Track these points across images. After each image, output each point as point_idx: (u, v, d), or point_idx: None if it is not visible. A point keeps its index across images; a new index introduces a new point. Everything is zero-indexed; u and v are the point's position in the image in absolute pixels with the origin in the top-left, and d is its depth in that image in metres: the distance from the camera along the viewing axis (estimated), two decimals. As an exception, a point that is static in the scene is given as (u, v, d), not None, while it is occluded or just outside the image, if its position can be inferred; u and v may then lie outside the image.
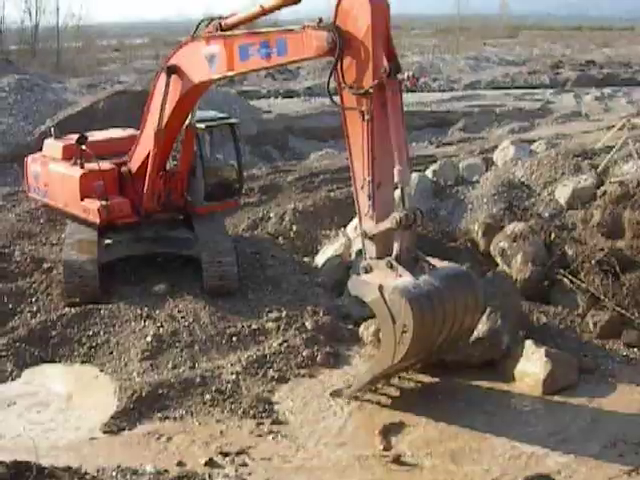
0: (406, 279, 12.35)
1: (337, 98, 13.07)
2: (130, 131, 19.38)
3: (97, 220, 17.54)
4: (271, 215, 21.90)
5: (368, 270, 12.94)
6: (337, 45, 12.52)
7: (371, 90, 12.43)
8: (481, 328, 14.32)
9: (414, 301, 12.00)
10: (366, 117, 12.53)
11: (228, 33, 14.85)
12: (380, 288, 12.35)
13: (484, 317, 14.38)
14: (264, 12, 14.56)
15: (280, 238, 20.69)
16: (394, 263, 12.51)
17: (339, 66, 12.69)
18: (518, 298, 15.80)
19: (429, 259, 13.09)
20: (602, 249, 16.84)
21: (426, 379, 14.25)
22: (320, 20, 12.87)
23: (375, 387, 13.83)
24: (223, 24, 15.12)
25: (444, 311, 12.45)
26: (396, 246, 12.57)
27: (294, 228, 20.95)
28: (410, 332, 12.04)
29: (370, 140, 12.57)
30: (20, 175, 27.07)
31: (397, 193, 12.76)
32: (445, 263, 13.41)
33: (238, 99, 42.27)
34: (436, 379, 14.22)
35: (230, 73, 15.18)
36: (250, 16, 14.96)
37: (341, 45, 12.51)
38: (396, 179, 12.43)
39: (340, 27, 12.55)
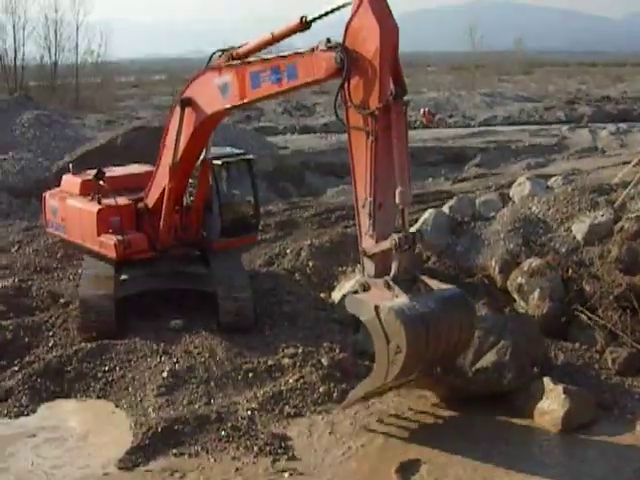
0: (402, 300, 12.41)
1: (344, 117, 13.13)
2: (148, 167, 19.46)
3: (114, 255, 17.58)
4: (287, 251, 21.93)
5: (366, 288, 13.07)
6: (345, 64, 12.62)
7: (377, 112, 12.52)
8: (488, 358, 14.29)
9: (408, 324, 12.10)
10: (370, 137, 12.61)
11: (240, 62, 14.98)
12: (376, 308, 12.42)
13: (494, 349, 14.36)
14: (274, 40, 14.71)
15: (297, 274, 20.68)
16: (391, 283, 12.61)
17: (346, 85, 12.78)
18: (538, 337, 15.57)
19: (426, 280, 13.21)
20: (620, 285, 16.75)
21: (444, 413, 14.20)
22: (328, 40, 13.00)
23: (391, 422, 13.86)
24: (235, 54, 15.26)
25: (438, 334, 12.56)
26: (394, 266, 12.66)
27: (310, 264, 20.95)
28: (403, 353, 12.17)
29: (373, 160, 12.65)
30: (38, 210, 27.24)
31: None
32: (442, 285, 13.51)
33: (255, 135, 42.55)
34: (453, 413, 14.17)
35: (243, 101, 15.22)
36: (261, 44, 15.11)
37: (349, 65, 12.61)
38: (397, 200, 12.53)
39: (348, 47, 12.67)
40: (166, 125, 17.29)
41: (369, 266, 13.13)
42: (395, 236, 12.46)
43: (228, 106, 15.56)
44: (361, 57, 12.57)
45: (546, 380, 14.09)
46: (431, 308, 12.51)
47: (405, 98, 12.77)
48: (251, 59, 14.95)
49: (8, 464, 12.91)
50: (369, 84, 12.58)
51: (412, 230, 12.87)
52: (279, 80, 13.95)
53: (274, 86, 14.18)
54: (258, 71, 14.37)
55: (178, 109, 16.38)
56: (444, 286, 13.53)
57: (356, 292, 13.53)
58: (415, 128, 52.70)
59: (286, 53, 13.94)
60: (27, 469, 12.67)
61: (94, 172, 18.21)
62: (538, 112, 61.22)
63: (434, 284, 13.25)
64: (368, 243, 12.98)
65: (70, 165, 20.92)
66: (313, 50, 13.25)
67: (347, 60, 12.62)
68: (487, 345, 14.47)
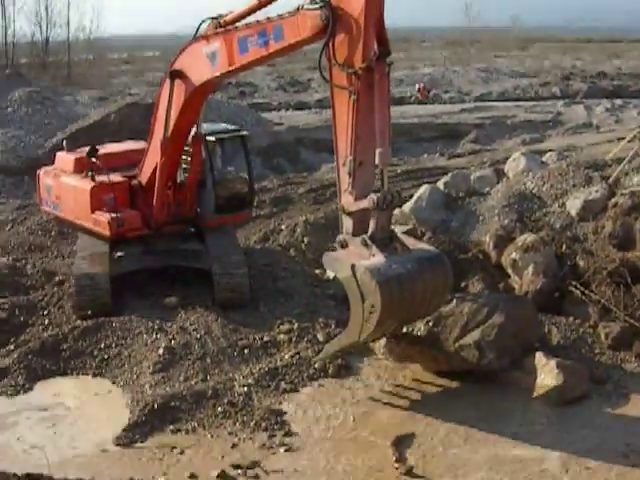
0: (378, 260, 12.50)
1: (327, 74, 13.12)
2: (142, 143, 19.38)
3: (107, 233, 17.58)
4: (282, 227, 21.94)
5: (344, 245, 13.15)
6: (330, 22, 12.59)
7: (360, 71, 12.50)
8: (472, 336, 14.32)
9: (383, 284, 12.21)
10: (353, 96, 12.62)
11: (227, 28, 14.93)
12: (352, 267, 12.49)
13: (480, 328, 14.38)
14: (260, 5, 14.65)
15: (292, 250, 20.70)
16: (368, 242, 12.67)
17: (331, 44, 12.75)
18: (533, 319, 15.49)
19: (404, 238, 13.35)
20: (613, 260, 16.82)
21: (439, 387, 14.37)
22: None
23: (387, 396, 14.04)
24: (222, 22, 15.20)
25: (412, 294, 12.71)
26: (372, 225, 12.73)
27: (305, 240, 20.97)
28: (377, 313, 12.33)
29: (355, 119, 12.68)
30: (31, 188, 27.20)
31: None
32: (419, 244, 13.72)
33: (249, 111, 42.36)
34: (449, 387, 14.33)
35: (231, 68, 15.12)
36: (247, 10, 15.03)
37: (334, 22, 12.59)
38: (377, 160, 12.58)
39: (334, 5, 12.64)
40: (156, 99, 17.25)
41: (347, 224, 13.20)
42: (373, 195, 12.51)
43: (217, 74, 15.43)
44: (346, 15, 12.53)
45: (539, 355, 14.17)
46: (407, 268, 12.60)
47: (388, 60, 12.78)
48: (238, 24, 14.90)
49: (5, 443, 12.95)
50: (353, 43, 12.55)
51: (392, 190, 12.84)
52: (266, 43, 13.89)
53: (261, 50, 14.11)
54: (245, 36, 14.32)
55: (168, 81, 16.30)
56: (421, 245, 13.74)
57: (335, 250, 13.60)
58: (410, 104, 52.70)
59: (273, 16, 13.86)
60: (24, 448, 12.71)
61: (87, 149, 18.15)
62: (533, 88, 60.99)
63: (411, 243, 13.38)
64: (347, 200, 13.02)
65: (63, 142, 20.85)
66: (298, 9, 13.21)
67: (332, 17, 12.58)
68: (475, 322, 14.48)
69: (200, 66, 15.56)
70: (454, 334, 14.41)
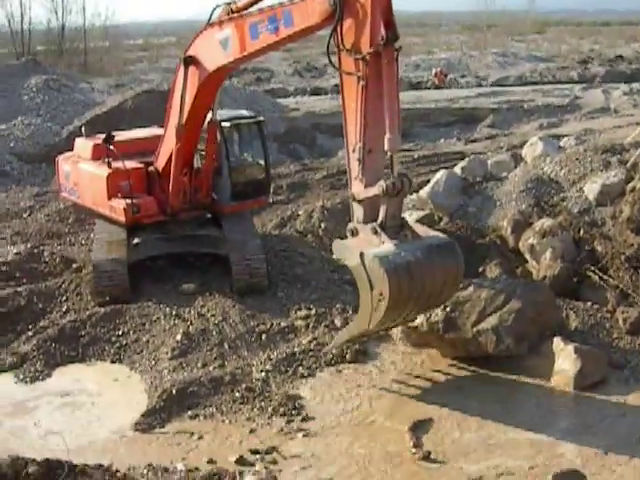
0: (387, 247, 12.37)
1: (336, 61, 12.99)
2: (158, 130, 19.40)
3: (123, 219, 17.64)
4: (299, 213, 21.94)
5: (354, 233, 12.99)
6: (337, 7, 12.49)
7: (367, 56, 12.38)
8: (490, 321, 14.28)
9: (392, 272, 12.05)
10: (361, 82, 12.46)
11: (239, 14, 14.89)
12: (361, 255, 12.37)
13: (498, 313, 14.34)
14: None
15: (309, 236, 20.71)
16: (378, 229, 12.55)
17: (339, 29, 12.64)
18: (550, 305, 15.37)
19: (415, 226, 13.23)
20: (631, 245, 16.75)
21: (457, 372, 14.36)
22: None
23: (405, 381, 14.05)
24: (235, 7, 15.15)
25: (422, 282, 12.50)
26: (382, 212, 12.59)
27: (322, 226, 20.97)
28: (386, 301, 12.15)
29: (364, 105, 12.52)
30: (48, 175, 27.34)
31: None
32: (430, 232, 13.49)
33: (265, 97, 42.39)
34: (467, 372, 14.32)
35: (244, 54, 15.04)
36: None
37: (342, 7, 12.48)
38: (386, 147, 12.44)
39: None
40: (172, 86, 17.25)
41: (358, 211, 13.05)
42: (383, 183, 12.35)
43: (230, 60, 15.36)
44: (354, 0, 12.46)
45: (557, 340, 14.12)
46: (416, 256, 12.40)
47: (397, 45, 12.55)
48: (249, 10, 14.83)
49: (25, 428, 13.05)
50: (361, 28, 12.42)
51: (402, 174, 12.74)
52: (276, 29, 13.80)
53: (272, 36, 14.02)
54: (256, 22, 14.25)
55: (182, 68, 16.29)
56: (432, 233, 13.50)
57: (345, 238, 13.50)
58: (427, 88, 52.57)
59: (283, 1, 13.78)
60: (42, 433, 12.79)
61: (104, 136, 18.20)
62: (551, 72, 60.76)
63: (422, 231, 13.22)
64: (357, 188, 12.89)
65: (82, 128, 20.91)
66: None
67: (340, 2, 12.49)
68: (492, 307, 14.45)
69: (213, 52, 15.54)
70: (471, 319, 14.38)
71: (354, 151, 12.83)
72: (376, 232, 12.56)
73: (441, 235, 13.73)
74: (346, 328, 14.21)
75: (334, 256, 14.00)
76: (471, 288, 14.72)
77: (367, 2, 12.25)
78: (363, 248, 12.46)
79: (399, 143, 12.77)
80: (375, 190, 12.50)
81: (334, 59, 12.94)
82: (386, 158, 12.79)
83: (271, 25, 13.90)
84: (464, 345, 14.45)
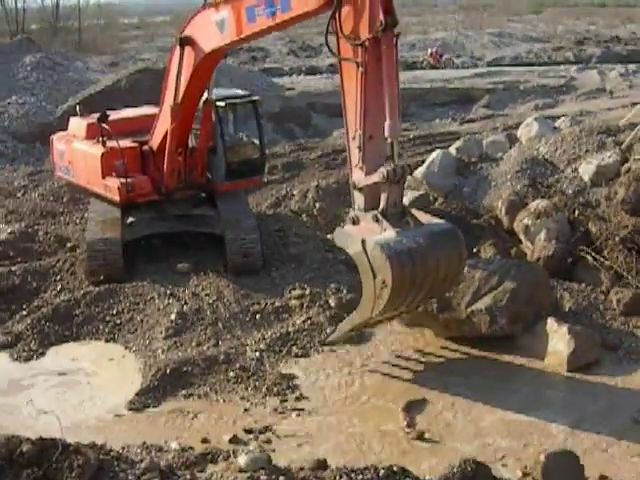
0: (389, 234, 12.27)
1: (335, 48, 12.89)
2: (153, 109, 19.34)
3: (117, 198, 17.62)
4: (294, 193, 21.93)
5: (355, 221, 12.90)
6: None
7: (366, 42, 12.27)
8: (484, 301, 14.30)
9: (394, 258, 11.95)
10: (360, 69, 12.34)
11: None
12: (363, 242, 12.29)
13: (492, 293, 14.36)
14: None
15: (303, 215, 20.72)
16: (379, 217, 12.45)
17: (337, 16, 12.51)
18: (544, 285, 15.35)
19: (416, 213, 13.09)
20: (626, 226, 16.76)
21: (451, 353, 14.37)
22: None
23: (398, 362, 14.06)
24: None
25: (425, 269, 12.39)
26: (383, 200, 12.47)
27: (317, 205, 20.97)
28: (389, 288, 12.03)
29: (363, 92, 12.40)
30: (43, 154, 27.29)
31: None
32: (432, 219, 13.34)
33: (261, 76, 42.31)
34: (461, 354, 14.34)
35: (240, 37, 14.95)
36: None
37: None
38: (386, 133, 12.30)
39: None
40: (167, 65, 17.18)
41: (359, 199, 12.97)
42: (383, 169, 12.23)
43: (227, 41, 15.27)
44: None
45: (551, 321, 14.13)
46: (419, 243, 12.29)
47: (396, 30, 12.36)
48: None
49: (19, 407, 13.04)
50: (359, 13, 12.29)
51: (402, 163, 12.69)
52: (273, 13, 13.65)
53: (269, 20, 13.88)
54: (253, 5, 14.08)
55: (178, 48, 16.22)
56: (435, 220, 13.35)
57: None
58: (422, 68, 52.46)
59: None
60: (37, 413, 12.78)
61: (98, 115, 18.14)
62: (546, 53, 60.68)
63: (424, 218, 13.09)
64: (358, 175, 12.80)
65: (77, 107, 20.84)
66: None
67: None
68: (487, 288, 14.47)
69: (209, 34, 15.44)
70: (465, 300, 14.39)
71: (354, 139, 12.72)
72: (377, 220, 12.45)
73: (443, 222, 13.54)
74: (348, 318, 14.06)
75: (336, 244, 13.90)
76: (465, 269, 14.73)
77: None
78: (365, 236, 12.37)
79: (399, 129, 12.66)
80: (376, 177, 12.39)
81: (332, 44, 12.82)
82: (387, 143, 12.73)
83: (268, 9, 13.74)
84: (458, 325, 14.47)
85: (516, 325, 14.27)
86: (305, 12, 13.35)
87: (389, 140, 12.46)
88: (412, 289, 12.52)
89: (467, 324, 14.36)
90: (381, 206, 12.51)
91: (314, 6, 12.97)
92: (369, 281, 12.41)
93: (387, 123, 12.22)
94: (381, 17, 12.18)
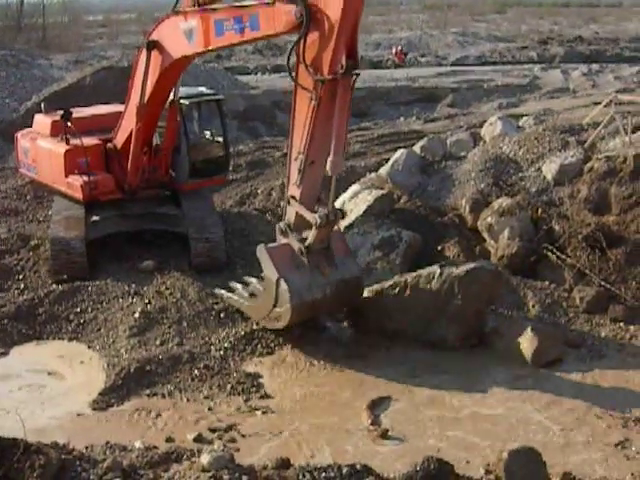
0: (302, 280, 13.49)
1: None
2: (118, 107, 19.23)
3: (80, 196, 17.52)
4: (259, 191, 21.91)
5: (284, 231, 13.84)
6: (304, 21, 12.46)
7: (325, 81, 12.55)
8: (433, 323, 14.56)
9: (296, 309, 13.37)
10: (314, 102, 12.70)
11: (205, 7, 14.70)
12: (277, 280, 13.43)
13: (441, 314, 14.50)
14: None
15: (268, 214, 20.68)
16: (303, 251, 13.49)
17: (302, 42, 12.65)
18: (493, 285, 15.12)
19: (337, 246, 14.07)
20: (589, 224, 16.89)
21: (417, 351, 14.41)
22: None
23: (363, 360, 14.15)
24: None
25: (320, 311, 14.32)
26: (311, 237, 13.44)
27: (282, 204, 20.91)
28: (281, 323, 13.80)
29: (312, 123, 12.83)
30: (6, 152, 26.99)
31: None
32: (349, 255, 14.53)
33: (225, 75, 42.11)
34: (427, 351, 14.40)
35: (208, 48, 15.04)
36: None
37: (308, 22, 12.47)
38: (328, 168, 12.84)
39: (310, 3, 12.47)
40: (133, 66, 17.08)
41: (290, 214, 13.74)
42: (317, 216, 13.12)
43: (195, 51, 15.29)
44: (321, 17, 12.40)
45: (514, 319, 14.24)
46: (325, 294, 13.64)
47: (355, 71, 12.76)
48: (215, 5, 14.61)
49: (-19, 406, 12.92)
50: (323, 48, 12.49)
51: (337, 206, 13.46)
52: (242, 30, 13.74)
53: (237, 36, 13.98)
54: (222, 19, 14.13)
55: (144, 51, 16.13)
56: (350, 259, 14.47)
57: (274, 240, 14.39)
58: (387, 67, 52.52)
59: (249, 2, 13.70)
60: (4, 411, 12.68)
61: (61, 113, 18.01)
62: (510, 52, 60.98)
63: (343, 251, 14.22)
64: (294, 191, 13.44)
65: (42, 105, 20.69)
66: (275, 1, 13.02)
67: (306, 16, 12.44)
68: (435, 309, 14.54)
69: (177, 41, 15.39)
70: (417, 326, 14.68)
71: (296, 159, 13.23)
72: (302, 252, 13.53)
73: (354, 266, 14.54)
74: (242, 300, 15.13)
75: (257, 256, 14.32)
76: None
77: (335, 24, 12.22)
78: (282, 271, 13.46)
79: (342, 166, 13.57)
80: (310, 218, 13.27)
81: (293, 69, 13.13)
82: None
83: (237, 25, 13.81)
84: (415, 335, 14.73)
85: (470, 339, 14.56)
86: (273, 33, 13.53)
87: (330, 174, 12.94)
88: (302, 321, 14.11)
89: (422, 337, 14.63)
90: (308, 241, 13.46)
91: (282, 29, 13.07)
92: (269, 304, 13.80)
93: (330, 159, 12.68)
94: (343, 61, 12.34)
